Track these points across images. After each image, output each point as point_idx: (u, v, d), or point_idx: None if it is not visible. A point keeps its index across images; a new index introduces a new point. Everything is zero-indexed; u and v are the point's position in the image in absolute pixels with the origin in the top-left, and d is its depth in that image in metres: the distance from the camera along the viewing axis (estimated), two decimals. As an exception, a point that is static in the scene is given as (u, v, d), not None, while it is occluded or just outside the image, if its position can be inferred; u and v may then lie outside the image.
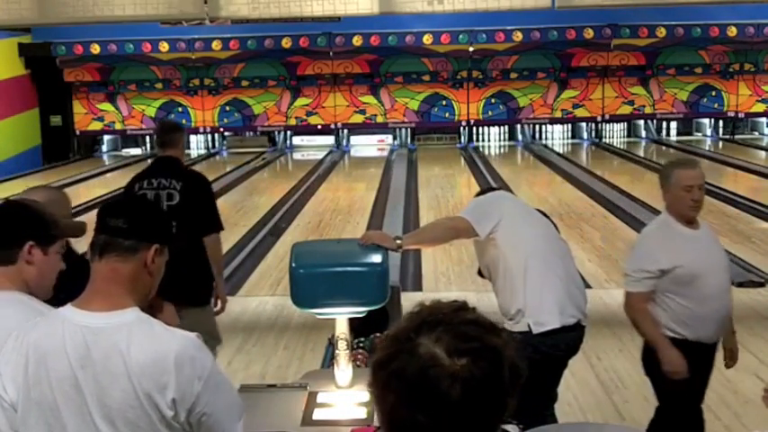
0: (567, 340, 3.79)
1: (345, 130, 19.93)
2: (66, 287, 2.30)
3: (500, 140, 20.36)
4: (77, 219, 3.20)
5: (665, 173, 3.82)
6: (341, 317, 3.15)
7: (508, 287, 3.77)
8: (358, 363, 3.51)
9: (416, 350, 1.33)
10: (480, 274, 4.12)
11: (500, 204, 3.92)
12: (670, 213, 3.81)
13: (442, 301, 1.44)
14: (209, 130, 19.68)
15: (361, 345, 3.95)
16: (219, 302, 4.75)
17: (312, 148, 20.07)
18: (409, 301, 7.10)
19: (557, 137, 20.29)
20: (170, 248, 4.50)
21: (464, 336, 1.34)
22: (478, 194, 4.12)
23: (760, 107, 19.51)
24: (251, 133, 20.04)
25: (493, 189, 4.42)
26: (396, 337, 1.39)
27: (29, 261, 2.35)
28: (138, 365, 1.99)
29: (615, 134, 20.38)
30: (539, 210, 4.18)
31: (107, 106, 19.45)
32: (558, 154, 18.30)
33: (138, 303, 2.11)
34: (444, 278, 7.99)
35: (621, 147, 19.37)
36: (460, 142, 19.85)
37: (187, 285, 4.29)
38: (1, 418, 2.04)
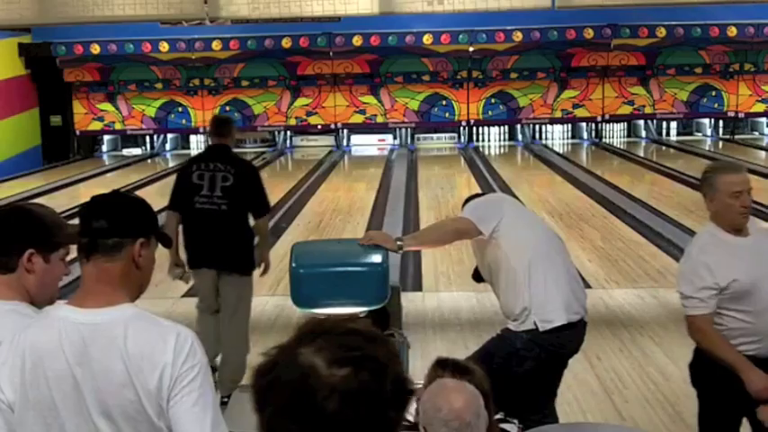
0: (571, 337, 3.79)
1: (345, 130, 19.92)
2: None
3: (500, 140, 20.36)
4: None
5: (708, 180, 3.48)
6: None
7: (511, 287, 3.76)
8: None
9: (296, 360, 1.29)
10: (475, 278, 4.12)
11: (500, 204, 3.92)
12: (717, 223, 3.49)
13: (331, 316, 1.42)
14: (209, 130, 19.63)
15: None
16: (264, 265, 5.38)
17: (313, 147, 20.04)
18: (409, 300, 7.13)
19: (557, 137, 20.28)
20: (222, 223, 5.09)
21: (345, 346, 1.29)
22: (469, 199, 4.11)
23: (760, 107, 19.49)
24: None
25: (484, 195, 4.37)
26: (279, 348, 1.35)
27: (29, 269, 2.30)
28: (137, 359, 1.99)
29: (615, 134, 20.36)
30: None
31: (107, 106, 19.43)
32: (558, 154, 18.29)
33: (132, 298, 2.12)
34: (444, 278, 8.00)
35: (621, 147, 19.36)
36: (460, 142, 19.84)
37: (234, 255, 5.13)
38: None
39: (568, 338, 3.77)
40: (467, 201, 4.08)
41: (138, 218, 2.17)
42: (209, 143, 5.60)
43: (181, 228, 5.28)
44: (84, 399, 2.01)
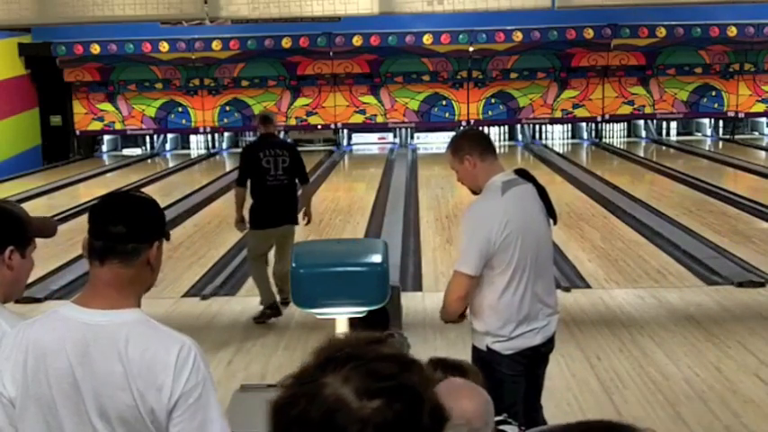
0: (538, 349, 3.73)
1: (345, 130, 19.93)
2: None
3: (500, 140, 20.36)
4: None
5: None
6: (341, 317, 3.15)
7: (480, 297, 3.66)
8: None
9: (321, 392, 1.16)
10: None
11: (488, 232, 3.57)
12: None
13: (355, 334, 1.27)
14: (209, 130, 19.67)
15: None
16: (307, 218, 7.34)
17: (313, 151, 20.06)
18: (409, 300, 7.12)
19: (557, 137, 20.28)
20: (285, 193, 6.95)
21: (377, 373, 1.16)
22: (461, 138, 3.84)
23: (760, 107, 19.50)
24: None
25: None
26: (299, 377, 1.21)
27: (9, 266, 2.30)
28: (136, 365, 1.98)
29: (615, 134, 20.36)
30: (525, 173, 3.78)
31: (107, 106, 19.43)
32: (558, 154, 18.29)
33: (139, 299, 2.12)
34: (444, 278, 7.97)
35: (621, 147, 19.36)
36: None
37: (292, 213, 7.04)
38: (0, 414, 2.05)
39: (532, 351, 3.71)
40: (462, 138, 3.82)
41: (155, 221, 2.16)
42: (260, 133, 7.19)
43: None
44: (82, 399, 2.01)
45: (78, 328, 2.03)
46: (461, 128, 19.60)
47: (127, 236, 2.06)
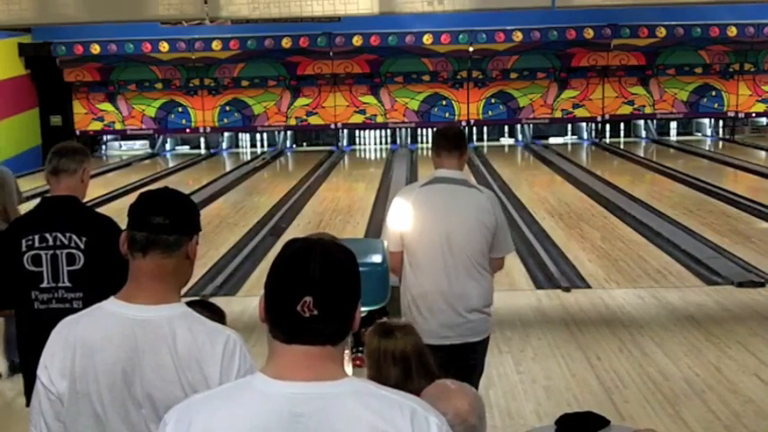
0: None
1: (345, 130, 19.93)
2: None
3: (500, 140, 20.37)
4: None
5: None
6: (341, 317, 3.15)
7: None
8: (357, 363, 3.51)
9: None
10: None
11: (397, 217, 3.90)
12: None
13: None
14: (209, 130, 19.67)
15: (360, 350, 3.97)
16: None
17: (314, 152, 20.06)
18: (409, 301, 6.92)
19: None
20: None
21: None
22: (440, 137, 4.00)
23: (760, 107, 19.50)
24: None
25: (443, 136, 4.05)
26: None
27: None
28: (185, 358, 2.03)
29: (615, 134, 20.35)
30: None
31: (107, 106, 19.43)
32: (559, 154, 18.29)
33: (180, 291, 2.16)
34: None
35: (621, 147, 19.36)
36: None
37: None
38: (48, 409, 2.08)
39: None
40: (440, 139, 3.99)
41: (194, 214, 2.22)
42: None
43: None
44: (132, 393, 2.05)
45: (126, 323, 2.06)
46: (461, 128, 19.62)
47: (169, 227, 2.11)
